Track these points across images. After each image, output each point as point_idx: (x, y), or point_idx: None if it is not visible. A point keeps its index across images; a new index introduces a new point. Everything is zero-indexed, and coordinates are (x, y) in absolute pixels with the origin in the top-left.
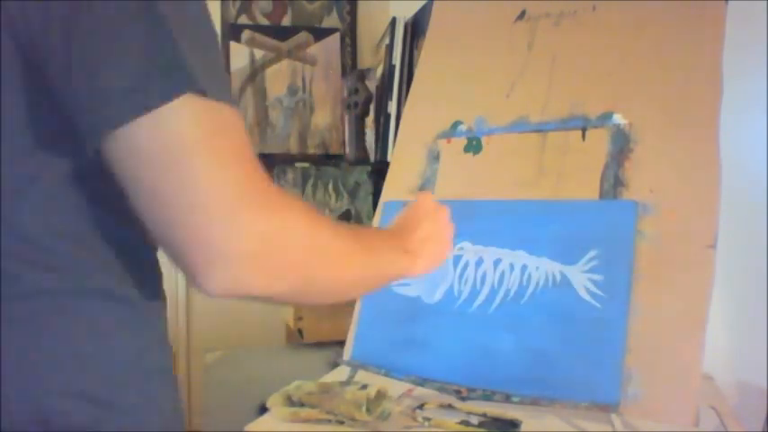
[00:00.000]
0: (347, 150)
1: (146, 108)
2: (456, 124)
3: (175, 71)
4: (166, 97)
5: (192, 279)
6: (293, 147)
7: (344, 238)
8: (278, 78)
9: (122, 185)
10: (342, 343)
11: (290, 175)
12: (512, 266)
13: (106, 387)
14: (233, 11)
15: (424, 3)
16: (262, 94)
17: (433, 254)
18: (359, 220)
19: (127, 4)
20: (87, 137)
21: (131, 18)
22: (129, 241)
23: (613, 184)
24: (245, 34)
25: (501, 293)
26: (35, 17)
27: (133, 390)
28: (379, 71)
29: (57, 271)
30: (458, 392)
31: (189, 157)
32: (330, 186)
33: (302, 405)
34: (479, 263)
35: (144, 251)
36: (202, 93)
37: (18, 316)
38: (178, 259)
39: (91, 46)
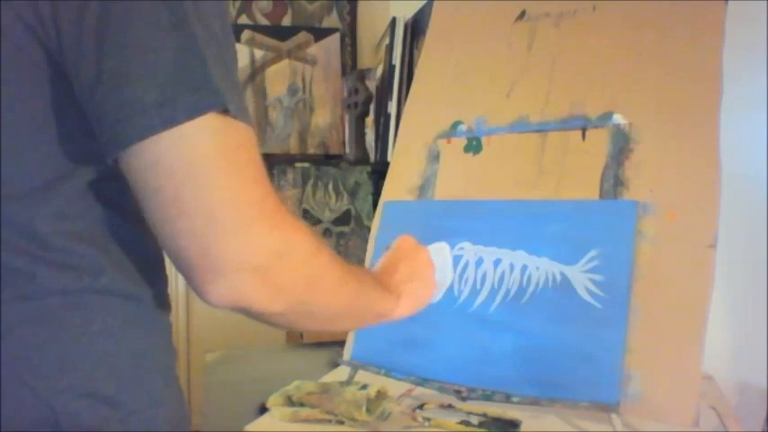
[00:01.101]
0: (347, 150)
1: (172, 122)
2: (456, 124)
3: (203, 89)
4: (193, 113)
5: (197, 287)
6: (293, 147)
7: (340, 267)
8: (278, 78)
9: (138, 193)
10: (342, 343)
11: (290, 175)
12: (512, 266)
13: (116, 386)
14: (233, 11)
15: (423, 3)
16: (262, 94)
17: (414, 295)
18: (359, 220)
19: (160, 19)
20: (110, 146)
21: (164, 34)
22: (141, 243)
23: (613, 184)
24: (245, 34)
25: (501, 293)
26: (67, 25)
27: (141, 389)
28: (379, 71)
29: (71, 270)
30: (458, 392)
31: (210, 170)
32: (330, 186)
33: (302, 405)
34: (479, 263)
35: (154, 254)
36: (226, 111)
37: (32, 315)
38: (186, 267)
39: (122, 58)
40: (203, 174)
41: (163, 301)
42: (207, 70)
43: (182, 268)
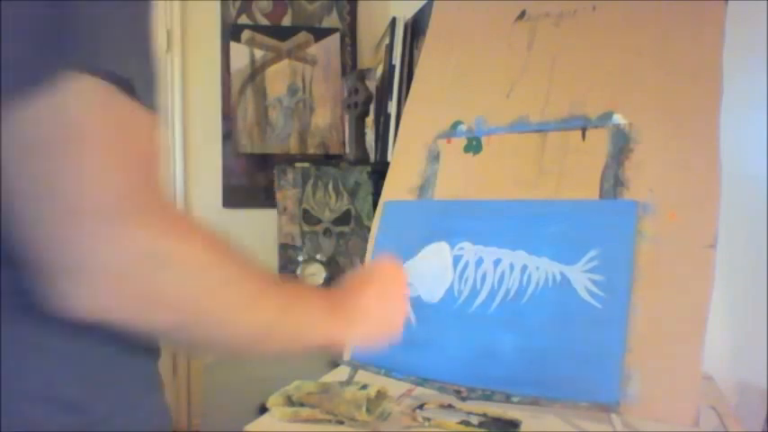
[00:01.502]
0: (347, 150)
1: (40, 83)
2: (456, 124)
3: (79, 49)
4: (65, 73)
5: (47, 295)
6: (293, 147)
7: (254, 285)
8: (278, 78)
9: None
10: None
11: (290, 175)
12: (512, 266)
13: (80, 391)
14: (233, 11)
15: (423, 3)
16: (262, 94)
17: (377, 321)
18: (359, 220)
19: None
20: None
21: None
22: None
23: (613, 184)
24: (245, 34)
25: (501, 293)
26: None
27: (111, 394)
28: (379, 71)
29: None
30: (458, 392)
31: (76, 147)
32: (330, 186)
33: (302, 405)
34: (479, 263)
35: None
36: (114, 80)
37: None
38: (33, 263)
39: None
40: (67, 150)
41: None
42: (92, 32)
43: (27, 261)
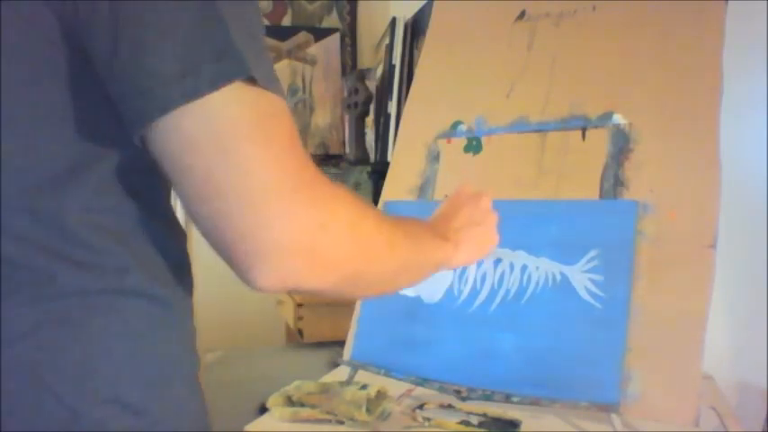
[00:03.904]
0: (347, 150)
1: (195, 94)
2: (456, 124)
3: (227, 56)
4: (217, 83)
5: (242, 274)
6: None
7: (388, 227)
8: None
9: (169, 173)
10: (342, 343)
11: None
12: (512, 266)
13: (140, 392)
14: None
15: (423, 3)
16: None
17: (474, 242)
18: None
19: None
20: (133, 124)
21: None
22: (169, 243)
23: (613, 184)
24: None
25: (501, 293)
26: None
27: (166, 397)
28: (379, 71)
29: (93, 269)
30: (458, 392)
31: (242, 143)
32: None
33: (302, 405)
34: (479, 263)
35: (180, 255)
36: (252, 80)
37: (52, 317)
38: (227, 253)
39: (139, 29)
40: (233, 148)
41: (188, 306)
42: (228, 36)
43: (222, 253)
